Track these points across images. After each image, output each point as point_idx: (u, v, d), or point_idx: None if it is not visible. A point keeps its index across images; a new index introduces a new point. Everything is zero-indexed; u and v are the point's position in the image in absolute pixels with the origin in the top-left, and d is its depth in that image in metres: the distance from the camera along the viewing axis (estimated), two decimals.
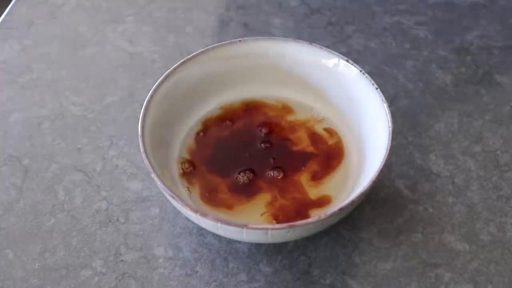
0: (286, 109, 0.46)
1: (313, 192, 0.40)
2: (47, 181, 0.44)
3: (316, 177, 0.41)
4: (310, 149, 0.42)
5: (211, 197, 0.40)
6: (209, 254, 0.40)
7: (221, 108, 0.45)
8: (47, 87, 0.52)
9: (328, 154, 0.42)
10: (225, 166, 0.42)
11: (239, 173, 0.41)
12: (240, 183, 0.40)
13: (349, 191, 0.39)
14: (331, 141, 0.43)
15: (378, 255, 0.39)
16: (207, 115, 0.45)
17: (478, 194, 0.43)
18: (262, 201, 0.40)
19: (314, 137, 0.43)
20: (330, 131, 0.44)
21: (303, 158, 0.42)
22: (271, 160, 0.42)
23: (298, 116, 0.45)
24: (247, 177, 0.41)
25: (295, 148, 0.43)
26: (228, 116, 0.45)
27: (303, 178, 0.41)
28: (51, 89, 0.51)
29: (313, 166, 0.41)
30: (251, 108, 0.46)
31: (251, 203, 0.39)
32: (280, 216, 0.39)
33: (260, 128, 0.44)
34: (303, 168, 0.41)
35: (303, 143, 0.43)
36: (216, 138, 0.44)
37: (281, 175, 0.41)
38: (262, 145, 0.43)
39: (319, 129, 0.44)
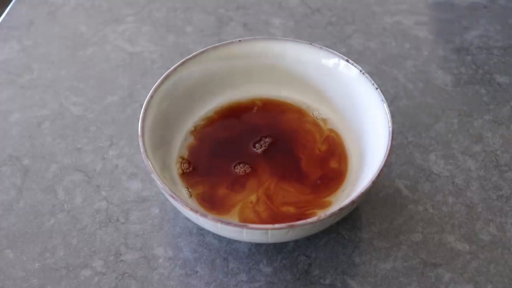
0: (286, 109, 0.46)
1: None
2: (47, 181, 0.44)
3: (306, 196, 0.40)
4: (313, 166, 0.42)
5: (209, 198, 0.40)
6: (209, 254, 0.40)
7: (221, 108, 0.45)
8: (47, 87, 0.52)
9: (329, 176, 0.41)
10: (224, 166, 0.42)
11: (237, 164, 0.41)
12: (239, 175, 0.41)
13: (349, 191, 0.39)
14: (335, 163, 0.42)
15: (378, 255, 0.39)
16: (206, 115, 0.45)
17: (478, 194, 0.43)
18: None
19: (315, 147, 0.43)
20: (330, 136, 0.44)
21: (301, 170, 0.42)
22: (271, 161, 0.42)
23: (299, 116, 0.45)
24: (244, 169, 0.41)
25: (296, 153, 0.42)
26: (228, 116, 0.45)
27: (297, 187, 0.41)
28: (51, 89, 0.51)
29: (313, 183, 0.41)
30: (251, 108, 0.46)
31: (247, 201, 0.40)
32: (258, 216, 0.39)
33: (260, 128, 0.44)
34: (299, 180, 0.41)
35: (304, 150, 0.43)
36: (215, 138, 0.44)
37: (277, 178, 0.41)
38: (262, 146, 0.43)
39: (320, 134, 0.44)
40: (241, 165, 0.41)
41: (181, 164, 0.42)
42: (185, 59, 0.43)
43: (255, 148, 0.43)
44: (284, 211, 0.39)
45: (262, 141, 0.43)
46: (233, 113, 0.45)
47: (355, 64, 0.42)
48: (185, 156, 0.42)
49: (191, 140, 0.43)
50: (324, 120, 0.45)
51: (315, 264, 0.39)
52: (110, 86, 0.51)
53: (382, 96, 0.39)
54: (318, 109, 0.45)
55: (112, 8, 0.60)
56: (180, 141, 0.43)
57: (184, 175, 0.41)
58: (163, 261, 0.39)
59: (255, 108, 0.46)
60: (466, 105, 0.49)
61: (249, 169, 0.41)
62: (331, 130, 0.44)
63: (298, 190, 0.40)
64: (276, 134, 0.44)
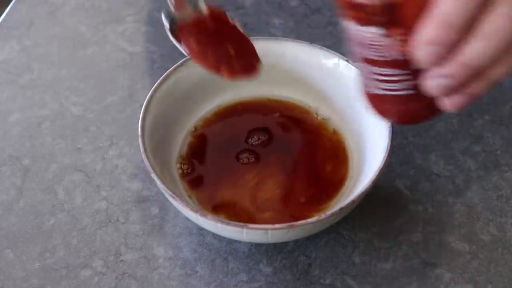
0: (286, 109, 0.45)
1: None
2: (47, 181, 0.44)
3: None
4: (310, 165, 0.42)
5: (209, 197, 0.40)
6: (209, 254, 0.40)
7: (221, 108, 0.45)
8: (47, 87, 0.52)
9: (327, 183, 0.41)
10: (224, 166, 0.42)
11: (237, 160, 0.42)
12: (238, 175, 0.41)
13: (350, 191, 0.39)
14: (335, 171, 0.42)
15: (378, 255, 0.39)
16: (206, 115, 0.45)
17: (478, 194, 0.43)
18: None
19: (315, 149, 0.43)
20: (333, 139, 0.44)
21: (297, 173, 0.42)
22: (271, 163, 0.42)
23: (299, 116, 0.45)
24: (245, 163, 0.41)
25: (296, 156, 0.42)
26: (228, 116, 0.45)
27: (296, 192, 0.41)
28: (51, 89, 0.51)
29: (309, 190, 0.41)
30: (251, 108, 0.46)
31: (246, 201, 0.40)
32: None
33: (259, 128, 0.44)
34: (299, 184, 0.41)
35: (306, 154, 0.43)
36: (215, 138, 0.44)
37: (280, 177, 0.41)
38: (261, 145, 0.43)
39: (325, 137, 0.44)
40: (242, 159, 0.41)
41: (181, 164, 0.42)
42: (185, 59, 0.43)
43: (256, 148, 0.43)
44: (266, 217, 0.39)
45: (263, 142, 0.43)
46: (233, 113, 0.45)
47: (355, 64, 0.42)
48: (185, 156, 0.42)
49: (191, 140, 0.43)
50: (324, 120, 0.45)
51: (315, 264, 0.39)
52: (110, 86, 0.51)
53: None
54: (317, 109, 0.45)
55: (112, 8, 0.60)
56: (180, 141, 0.43)
57: (184, 175, 0.41)
58: (163, 261, 0.39)
59: (256, 108, 0.46)
60: None
61: (250, 164, 0.41)
62: (335, 132, 0.44)
63: (290, 204, 0.40)
64: (280, 135, 0.44)
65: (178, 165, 0.41)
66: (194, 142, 0.43)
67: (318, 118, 0.45)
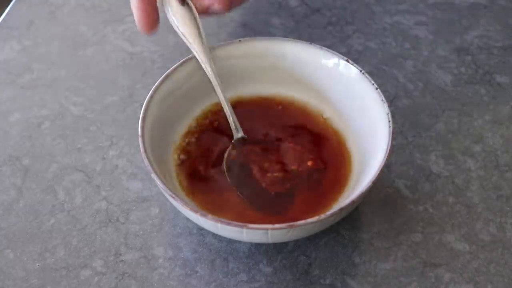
0: (286, 109, 0.45)
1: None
2: (47, 181, 0.44)
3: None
4: (309, 164, 0.42)
5: (209, 198, 0.40)
6: (209, 254, 0.40)
7: (220, 106, 0.45)
8: (47, 87, 0.52)
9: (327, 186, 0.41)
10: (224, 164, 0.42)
11: (237, 157, 0.42)
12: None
13: (350, 191, 0.39)
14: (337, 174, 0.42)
15: (378, 255, 0.39)
16: (206, 114, 0.45)
17: (478, 194, 0.43)
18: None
19: (315, 149, 0.43)
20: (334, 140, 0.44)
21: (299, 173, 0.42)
22: (270, 162, 0.42)
23: (299, 116, 0.45)
24: (248, 157, 0.41)
25: (296, 155, 0.42)
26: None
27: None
28: (51, 89, 0.51)
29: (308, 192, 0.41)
30: (250, 107, 0.46)
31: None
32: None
33: (259, 128, 0.44)
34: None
35: (302, 152, 0.43)
36: (215, 138, 0.44)
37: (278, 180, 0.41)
38: (260, 144, 0.43)
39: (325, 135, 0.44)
40: (241, 157, 0.41)
41: (181, 164, 0.42)
42: (185, 59, 0.43)
43: (255, 147, 0.43)
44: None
45: (262, 140, 0.43)
46: (233, 111, 0.45)
47: (355, 64, 0.42)
48: (185, 156, 0.42)
49: (191, 139, 0.43)
50: (326, 120, 0.45)
51: (315, 264, 0.39)
52: (110, 86, 0.51)
53: (382, 96, 0.39)
54: (318, 109, 0.45)
55: (112, 8, 0.60)
56: (180, 141, 0.43)
57: (184, 174, 0.41)
58: (163, 261, 0.39)
59: (255, 108, 0.45)
60: (466, 105, 0.49)
61: (250, 163, 0.41)
62: (335, 132, 0.44)
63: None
64: (279, 134, 0.44)
65: (178, 168, 0.41)
66: (194, 141, 0.43)
67: (320, 118, 0.45)
